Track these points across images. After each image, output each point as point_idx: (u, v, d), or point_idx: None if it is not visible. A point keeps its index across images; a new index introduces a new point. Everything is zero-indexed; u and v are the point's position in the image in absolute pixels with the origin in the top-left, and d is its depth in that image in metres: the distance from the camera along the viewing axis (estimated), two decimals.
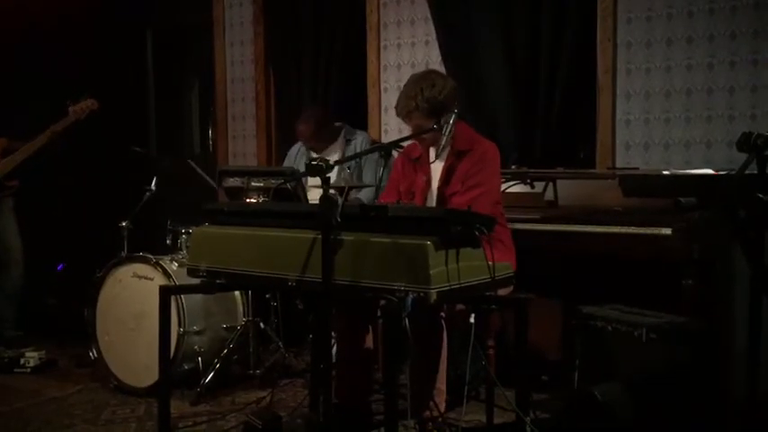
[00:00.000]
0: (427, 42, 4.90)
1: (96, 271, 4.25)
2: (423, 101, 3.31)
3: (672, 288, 3.27)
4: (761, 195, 2.27)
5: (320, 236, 2.60)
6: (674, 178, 3.62)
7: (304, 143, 4.83)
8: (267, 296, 4.40)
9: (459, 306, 3.12)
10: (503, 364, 3.51)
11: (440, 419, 3.17)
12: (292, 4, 5.51)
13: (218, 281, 3.15)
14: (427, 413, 3.13)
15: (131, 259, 4.16)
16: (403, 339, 2.57)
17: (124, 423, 3.69)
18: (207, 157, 6.30)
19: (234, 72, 5.87)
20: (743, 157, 2.33)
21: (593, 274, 3.68)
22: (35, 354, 4.59)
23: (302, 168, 4.73)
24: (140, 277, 4.09)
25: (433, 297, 2.55)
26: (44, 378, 4.44)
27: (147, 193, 4.45)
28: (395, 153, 3.57)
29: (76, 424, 3.69)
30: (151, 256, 4.10)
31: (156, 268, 4.04)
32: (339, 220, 2.56)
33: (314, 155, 4.79)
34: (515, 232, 3.52)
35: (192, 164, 4.57)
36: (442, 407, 3.20)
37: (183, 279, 3.54)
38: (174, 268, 4.03)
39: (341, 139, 4.78)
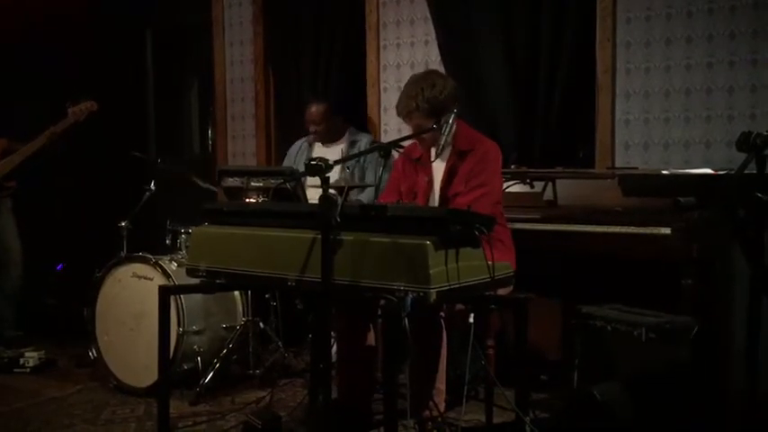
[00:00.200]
0: (427, 42, 4.90)
1: (96, 271, 4.25)
2: (423, 101, 3.31)
3: (671, 288, 3.27)
4: (760, 195, 2.27)
5: (320, 236, 2.60)
6: (674, 178, 3.62)
7: (312, 132, 4.82)
8: (267, 296, 4.40)
9: (459, 306, 3.11)
10: (502, 364, 3.51)
11: (439, 419, 3.17)
12: (292, 3, 5.51)
13: (217, 281, 3.15)
14: (427, 413, 3.13)
15: (131, 259, 4.16)
16: (402, 339, 2.57)
17: (124, 423, 3.69)
18: (206, 156, 6.31)
19: (233, 72, 5.87)
20: (742, 156, 2.33)
21: (593, 273, 3.68)
22: (35, 354, 4.59)
23: (302, 167, 4.74)
24: (140, 277, 4.09)
25: (433, 297, 2.55)
26: (44, 378, 4.44)
27: (147, 193, 4.45)
28: (395, 153, 3.56)
29: (76, 424, 3.69)
30: (150, 256, 4.10)
31: (155, 268, 4.04)
32: (339, 219, 2.56)
33: (316, 151, 4.80)
34: (515, 232, 3.52)
35: (196, 179, 4.54)
36: (442, 406, 3.20)
37: (183, 279, 3.54)
38: (174, 268, 4.03)
39: (346, 140, 4.79)
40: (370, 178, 4.56)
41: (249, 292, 4.16)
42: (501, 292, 2.97)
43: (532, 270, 3.35)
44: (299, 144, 4.98)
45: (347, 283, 2.68)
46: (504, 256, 3.14)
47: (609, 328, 3.14)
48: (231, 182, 4.07)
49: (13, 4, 5.50)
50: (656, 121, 4.13)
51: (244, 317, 4.22)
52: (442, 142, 3.34)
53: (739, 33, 3.87)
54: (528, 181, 4.03)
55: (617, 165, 4.16)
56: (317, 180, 2.65)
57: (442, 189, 3.42)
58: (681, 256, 3.28)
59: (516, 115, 4.53)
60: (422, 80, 3.38)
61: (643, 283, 3.48)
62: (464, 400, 3.30)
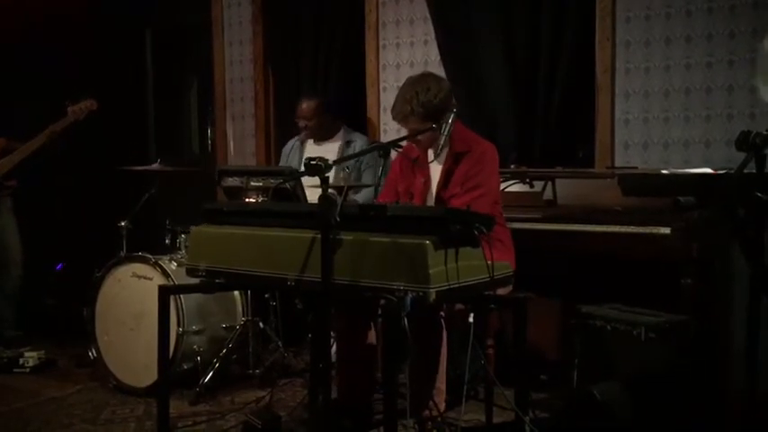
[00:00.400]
0: (426, 42, 4.90)
1: (95, 271, 4.25)
2: (418, 105, 3.30)
3: (671, 287, 3.27)
4: (760, 194, 2.27)
5: (319, 235, 2.60)
6: (673, 177, 3.62)
7: (303, 129, 4.81)
8: (266, 296, 4.40)
9: (459, 305, 3.12)
10: (502, 364, 3.51)
11: (439, 419, 3.17)
12: (291, 3, 5.51)
13: (217, 280, 3.15)
14: (427, 412, 3.13)
15: (130, 259, 4.16)
16: (402, 339, 2.57)
17: (123, 423, 3.69)
18: (206, 156, 6.31)
19: (233, 72, 5.87)
20: (742, 156, 2.33)
21: (593, 273, 3.68)
22: (34, 354, 4.59)
23: (296, 164, 4.74)
24: (139, 277, 4.09)
25: (433, 296, 2.55)
26: (43, 378, 4.44)
27: (147, 193, 4.45)
28: (394, 153, 3.56)
29: (76, 424, 3.69)
30: (150, 256, 4.10)
31: (155, 268, 4.04)
32: (338, 219, 2.56)
33: (308, 150, 4.79)
34: (514, 231, 3.52)
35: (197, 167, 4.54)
36: (442, 406, 3.20)
37: (182, 279, 3.54)
38: (173, 268, 4.03)
39: (340, 138, 4.77)
40: (365, 179, 4.55)
41: (249, 291, 4.16)
42: (500, 291, 2.97)
43: (532, 270, 3.35)
44: (292, 143, 4.97)
45: (347, 283, 2.68)
46: (503, 255, 3.14)
47: (608, 327, 3.14)
48: (231, 182, 4.07)
49: (13, 4, 5.49)
50: (656, 121, 4.13)
51: (243, 317, 4.22)
52: (442, 142, 3.34)
53: (739, 33, 3.87)
54: (528, 181, 4.03)
55: (616, 164, 4.16)
56: (313, 180, 2.65)
57: (438, 191, 3.41)
58: (680, 256, 3.28)
59: (516, 115, 4.52)
60: (416, 83, 3.37)
61: (643, 282, 3.48)
62: (464, 400, 3.30)
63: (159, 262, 4.04)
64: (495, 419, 3.40)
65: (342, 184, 3.79)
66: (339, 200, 2.61)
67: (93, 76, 5.55)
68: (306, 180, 4.06)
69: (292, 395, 3.99)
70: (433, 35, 4.83)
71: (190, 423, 3.66)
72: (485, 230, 2.73)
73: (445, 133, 3.28)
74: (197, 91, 6.57)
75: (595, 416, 2.96)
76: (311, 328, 3.92)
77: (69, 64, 5.67)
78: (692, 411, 2.86)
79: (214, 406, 3.88)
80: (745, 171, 2.30)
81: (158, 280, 3.97)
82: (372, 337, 3.43)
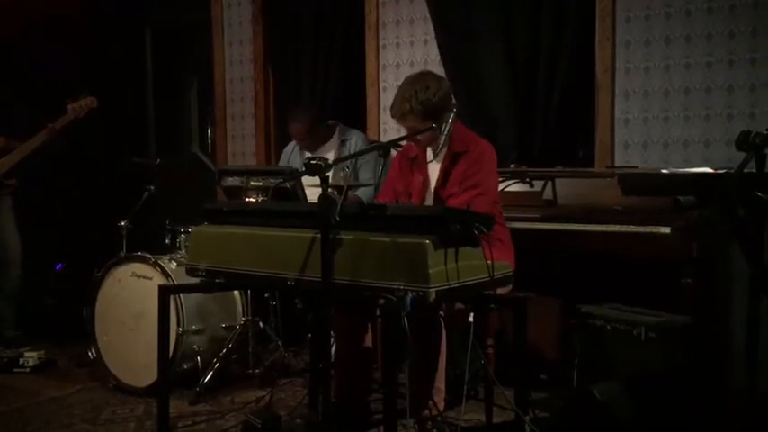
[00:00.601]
0: (426, 42, 4.90)
1: (95, 270, 4.25)
2: (417, 104, 3.30)
3: (671, 287, 3.27)
4: (759, 194, 2.27)
5: (319, 235, 2.60)
6: (673, 177, 3.62)
7: (298, 142, 4.82)
8: (266, 295, 4.40)
9: (459, 305, 3.12)
10: (502, 363, 3.51)
11: (439, 419, 3.17)
12: (291, 3, 5.51)
13: (217, 280, 3.15)
14: (426, 412, 3.13)
15: (130, 259, 4.16)
16: (402, 339, 2.57)
17: (123, 423, 3.69)
18: (206, 156, 6.30)
19: (233, 72, 5.87)
20: (741, 155, 2.33)
21: (592, 272, 3.68)
22: (34, 353, 4.59)
23: (297, 166, 4.73)
24: (139, 277, 4.09)
25: (432, 296, 2.55)
26: (43, 378, 4.44)
27: (146, 193, 4.45)
28: (393, 152, 3.56)
29: (76, 423, 3.69)
30: (150, 256, 4.09)
31: (154, 268, 4.03)
32: (338, 219, 2.56)
33: (308, 154, 4.79)
34: (514, 231, 3.52)
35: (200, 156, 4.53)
36: (441, 406, 3.21)
37: (182, 278, 3.54)
38: (173, 268, 4.03)
39: (335, 139, 4.76)
40: (364, 177, 4.55)
41: (249, 291, 4.16)
42: (500, 291, 2.97)
43: (532, 269, 3.35)
44: (293, 145, 4.96)
45: (347, 283, 2.68)
46: (503, 255, 3.14)
47: (608, 327, 3.14)
48: (231, 181, 4.07)
49: (13, 4, 5.50)
50: (656, 121, 4.13)
51: (243, 316, 4.22)
52: (441, 142, 3.34)
53: (738, 32, 3.88)
54: (527, 180, 4.03)
55: (616, 164, 4.16)
56: (312, 179, 2.65)
57: (436, 190, 3.41)
58: (680, 256, 3.28)
59: (516, 115, 4.52)
60: (415, 82, 3.37)
61: (642, 282, 3.48)
62: (464, 400, 3.30)
63: (159, 262, 4.04)
64: (495, 419, 3.39)
65: (341, 183, 3.79)
66: (339, 199, 2.61)
67: (92, 76, 5.55)
68: (306, 180, 4.07)
69: (292, 395, 3.99)
70: (432, 35, 4.83)
71: (190, 423, 3.66)
72: (485, 230, 2.73)
73: (445, 133, 3.27)
74: (197, 91, 6.56)
75: (595, 416, 2.96)
76: (311, 327, 3.93)
77: (69, 64, 5.67)
78: (691, 411, 2.86)
79: (214, 406, 3.88)
80: (745, 171, 2.30)
81: (158, 280, 3.97)
82: (369, 339, 3.43)
